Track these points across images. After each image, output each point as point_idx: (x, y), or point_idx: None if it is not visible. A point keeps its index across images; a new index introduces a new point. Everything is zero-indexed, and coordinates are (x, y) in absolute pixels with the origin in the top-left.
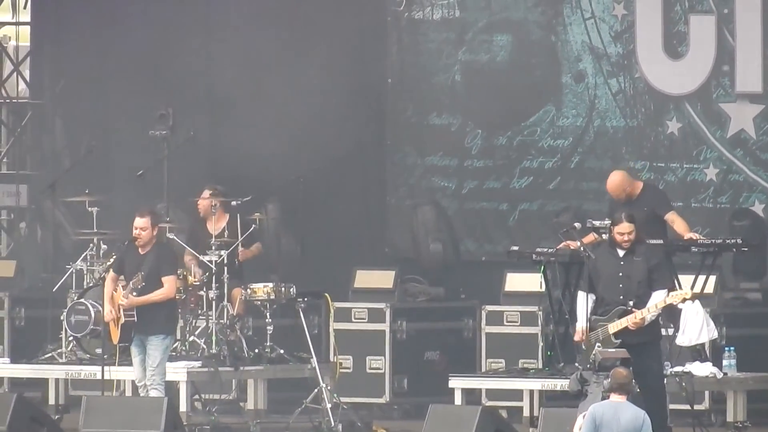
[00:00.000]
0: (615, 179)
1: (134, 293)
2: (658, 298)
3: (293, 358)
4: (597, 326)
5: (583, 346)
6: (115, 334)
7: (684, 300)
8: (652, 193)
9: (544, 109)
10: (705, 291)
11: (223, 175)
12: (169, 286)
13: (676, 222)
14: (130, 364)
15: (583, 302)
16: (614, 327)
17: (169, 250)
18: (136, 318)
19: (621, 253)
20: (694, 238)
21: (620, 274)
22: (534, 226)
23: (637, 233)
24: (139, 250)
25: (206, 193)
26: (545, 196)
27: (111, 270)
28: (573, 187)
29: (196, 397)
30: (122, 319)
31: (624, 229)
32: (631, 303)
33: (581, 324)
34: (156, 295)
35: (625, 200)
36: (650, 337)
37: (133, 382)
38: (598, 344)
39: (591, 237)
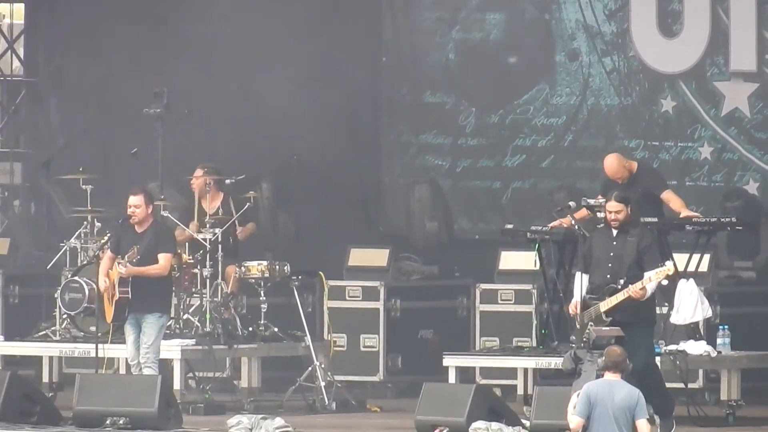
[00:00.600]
0: (612, 163)
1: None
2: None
3: (287, 337)
4: (590, 304)
5: (576, 325)
6: (109, 312)
7: (667, 276)
8: (647, 173)
9: (537, 88)
10: (699, 270)
11: (217, 153)
12: (164, 262)
13: (672, 200)
14: (124, 342)
15: (579, 281)
16: (605, 305)
17: (166, 229)
18: (130, 294)
19: (615, 233)
20: (690, 215)
21: (611, 254)
22: (527, 205)
23: (632, 214)
24: (136, 228)
25: (199, 171)
26: (538, 175)
27: (108, 250)
28: (566, 165)
29: (190, 375)
30: (117, 295)
31: (611, 208)
32: (621, 282)
33: (575, 299)
34: (151, 269)
35: (624, 181)
36: (640, 318)
37: (127, 360)
38: (590, 323)
39: (583, 212)
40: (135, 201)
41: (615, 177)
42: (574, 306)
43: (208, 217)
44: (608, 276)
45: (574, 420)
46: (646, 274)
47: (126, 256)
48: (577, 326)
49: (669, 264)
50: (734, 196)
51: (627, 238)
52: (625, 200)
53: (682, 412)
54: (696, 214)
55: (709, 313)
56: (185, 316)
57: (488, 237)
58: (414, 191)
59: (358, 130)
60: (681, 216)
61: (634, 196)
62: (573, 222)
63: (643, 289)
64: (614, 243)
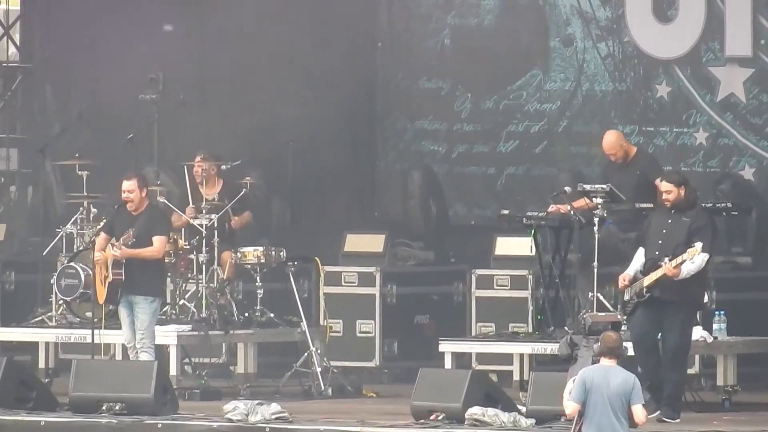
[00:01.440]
0: (610, 138)
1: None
2: (701, 259)
3: (283, 322)
4: (638, 279)
5: (625, 296)
6: (102, 293)
7: (693, 256)
8: (644, 158)
9: (531, 73)
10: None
11: (212, 139)
12: (159, 245)
13: None
14: (120, 327)
15: (637, 256)
16: (647, 280)
17: (161, 212)
18: (123, 277)
19: (672, 212)
20: None
21: (663, 231)
22: (521, 191)
23: (687, 195)
24: (132, 212)
25: (197, 158)
26: (531, 161)
27: (102, 232)
28: (560, 151)
29: (186, 360)
30: (110, 277)
31: (663, 188)
32: (666, 260)
33: (627, 272)
34: (146, 251)
35: (620, 161)
36: (681, 298)
37: (123, 345)
38: (634, 295)
39: (582, 202)
40: (129, 186)
41: (609, 152)
42: (622, 278)
43: (205, 202)
44: (656, 252)
45: (570, 405)
46: (683, 255)
47: (121, 239)
48: (623, 298)
49: (698, 245)
50: (725, 180)
51: (681, 218)
52: (677, 181)
53: None
54: None
55: (705, 298)
56: (181, 302)
57: (484, 223)
58: (408, 178)
59: (353, 116)
60: None
61: (631, 179)
62: (570, 208)
63: (677, 267)
64: (668, 221)
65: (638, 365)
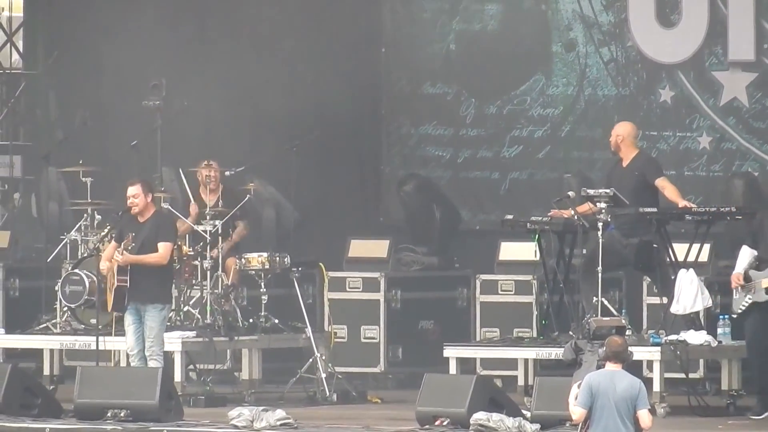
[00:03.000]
0: (627, 125)
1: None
2: None
3: (288, 328)
4: (753, 278)
5: (735, 295)
6: (109, 300)
7: None
8: (644, 160)
9: (534, 78)
10: (699, 260)
11: (216, 145)
12: (164, 251)
13: (667, 188)
14: (125, 333)
15: (744, 254)
16: (766, 282)
17: (167, 218)
18: (128, 283)
19: None
20: (688, 206)
21: None
22: (524, 195)
23: None
24: (138, 218)
25: (203, 164)
26: (535, 165)
27: (112, 240)
28: (563, 156)
29: (191, 367)
30: (115, 284)
31: None
32: None
33: (737, 270)
34: (149, 257)
35: (617, 151)
36: None
37: (127, 352)
38: (749, 296)
39: (586, 206)
40: (133, 191)
41: (617, 134)
42: (736, 278)
43: (208, 209)
44: None
45: (577, 411)
46: None
47: (122, 244)
48: (735, 296)
49: None
50: (739, 178)
51: None
52: None
53: (683, 402)
54: (691, 204)
55: (710, 302)
56: (186, 308)
57: (488, 227)
58: (402, 188)
59: (358, 121)
60: (680, 206)
61: (630, 181)
62: (573, 213)
63: None
64: None
65: (752, 367)
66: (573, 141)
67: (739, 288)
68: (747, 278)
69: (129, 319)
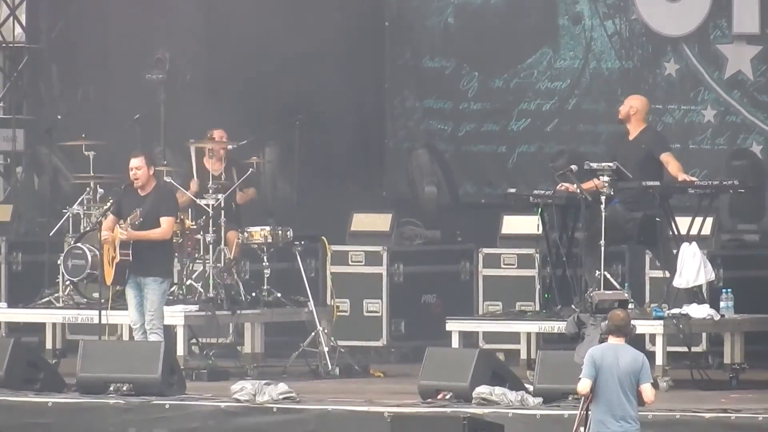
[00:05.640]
0: (639, 98)
1: (131, 228)
2: None
3: (290, 302)
4: None
5: None
6: (109, 274)
7: None
8: (652, 134)
9: (541, 51)
10: (702, 233)
11: (219, 119)
12: (166, 226)
13: (671, 164)
14: (127, 308)
15: None
16: None
17: (169, 192)
18: (131, 257)
19: None
20: (688, 180)
21: None
22: (532, 169)
23: None
24: (139, 191)
25: (214, 132)
26: (543, 139)
27: (110, 213)
28: (570, 129)
29: (194, 341)
30: (117, 258)
31: None
32: None
33: None
34: (153, 233)
35: (626, 121)
36: None
37: (130, 326)
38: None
39: (591, 183)
40: (136, 163)
41: (631, 105)
42: None
43: (210, 182)
44: None
45: (583, 383)
46: None
47: (129, 219)
48: None
49: None
50: (741, 156)
51: None
52: None
53: (686, 376)
54: (693, 178)
55: (712, 276)
56: (188, 282)
57: (491, 201)
58: (411, 157)
59: (362, 95)
60: (679, 180)
61: (636, 155)
62: (576, 187)
63: None
64: None
65: None
66: (579, 114)
67: None
68: None
69: (130, 293)
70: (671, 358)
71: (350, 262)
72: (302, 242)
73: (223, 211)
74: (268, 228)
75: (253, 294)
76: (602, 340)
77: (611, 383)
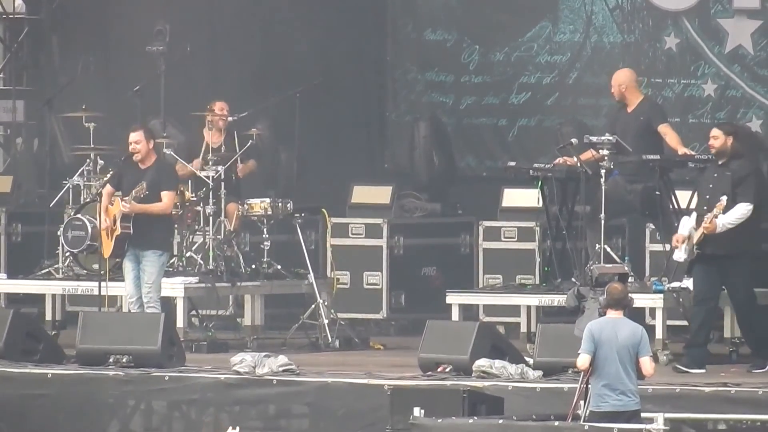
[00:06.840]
0: (625, 71)
1: (135, 202)
2: (739, 211)
3: (290, 274)
4: (691, 237)
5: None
6: (108, 247)
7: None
8: (649, 105)
9: (540, 25)
10: None
11: (219, 91)
12: (167, 200)
13: (669, 135)
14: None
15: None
16: (696, 237)
17: (169, 166)
18: (131, 230)
19: (718, 165)
20: (688, 153)
21: (710, 186)
22: (533, 142)
23: (733, 146)
24: (139, 165)
25: (217, 104)
26: (543, 112)
27: (108, 184)
28: (571, 102)
29: (193, 312)
30: (118, 231)
31: (710, 133)
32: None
33: (680, 232)
34: (155, 206)
35: (618, 103)
36: (729, 250)
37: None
38: (688, 255)
39: (589, 154)
40: (135, 137)
41: (619, 83)
42: (675, 240)
43: (210, 154)
44: (705, 207)
45: (583, 357)
46: (731, 212)
47: (134, 192)
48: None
49: (723, 199)
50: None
51: (725, 172)
52: (726, 130)
53: None
54: (693, 152)
55: None
56: (188, 254)
57: (492, 174)
58: (414, 128)
59: (363, 67)
60: (680, 153)
61: (634, 126)
62: (576, 161)
63: (711, 223)
64: (714, 175)
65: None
66: (580, 88)
67: (681, 248)
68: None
69: (128, 266)
70: (671, 331)
71: (350, 235)
72: (302, 214)
73: (223, 183)
74: (268, 200)
75: (253, 266)
76: (601, 314)
77: (610, 357)
